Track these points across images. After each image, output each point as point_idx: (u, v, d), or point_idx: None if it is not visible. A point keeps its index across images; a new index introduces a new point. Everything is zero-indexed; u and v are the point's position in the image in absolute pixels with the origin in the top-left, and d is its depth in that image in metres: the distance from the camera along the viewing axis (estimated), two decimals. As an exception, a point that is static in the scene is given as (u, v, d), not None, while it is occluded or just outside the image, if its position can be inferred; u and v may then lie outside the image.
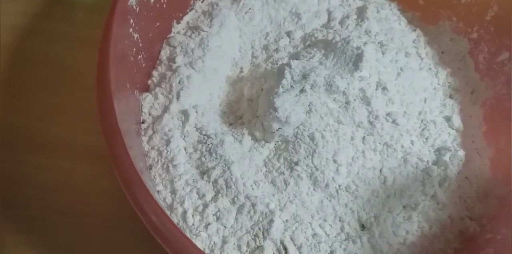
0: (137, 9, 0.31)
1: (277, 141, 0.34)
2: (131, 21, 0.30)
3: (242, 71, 0.39)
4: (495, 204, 0.35)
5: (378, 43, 0.38)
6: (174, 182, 0.32)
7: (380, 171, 0.34)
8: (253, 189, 0.32)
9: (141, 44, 0.33)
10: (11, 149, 0.39)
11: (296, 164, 0.33)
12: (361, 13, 0.41)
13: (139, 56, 0.33)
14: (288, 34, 0.41)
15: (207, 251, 0.30)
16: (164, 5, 0.36)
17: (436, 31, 0.43)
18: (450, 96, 0.39)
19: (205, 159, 0.33)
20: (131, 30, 0.31)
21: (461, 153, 0.35)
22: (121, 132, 0.25)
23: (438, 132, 0.36)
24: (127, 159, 0.24)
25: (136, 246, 0.35)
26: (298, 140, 0.33)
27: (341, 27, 0.41)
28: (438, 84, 0.39)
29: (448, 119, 0.37)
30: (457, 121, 0.37)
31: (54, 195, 0.37)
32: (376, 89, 0.35)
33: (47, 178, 0.38)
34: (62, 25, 0.45)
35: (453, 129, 0.37)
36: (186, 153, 0.34)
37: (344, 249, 0.31)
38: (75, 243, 0.36)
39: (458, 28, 0.42)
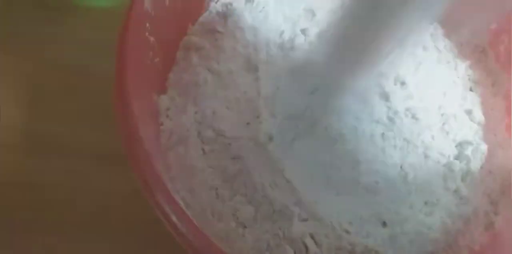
0: (153, 13, 0.31)
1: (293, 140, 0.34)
2: (147, 25, 0.31)
3: (257, 70, 0.39)
4: (520, 198, 0.34)
5: (395, 37, 0.38)
6: (192, 183, 0.33)
7: (401, 167, 0.34)
8: (272, 189, 0.33)
9: (157, 48, 0.34)
10: (34, 154, 0.40)
11: (315, 163, 0.33)
12: (376, 7, 0.41)
13: (155, 60, 0.34)
14: (303, 31, 0.41)
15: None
16: (179, 7, 0.36)
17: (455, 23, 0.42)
18: (470, 89, 0.39)
19: (223, 158, 0.33)
20: (147, 34, 0.31)
21: (484, 146, 0.35)
22: (141, 138, 0.25)
23: (459, 125, 0.36)
24: (147, 162, 0.25)
25: (160, 250, 0.36)
26: (314, 139, 0.33)
27: (357, 22, 0.40)
28: (458, 77, 0.39)
29: (469, 112, 0.37)
30: (478, 114, 0.36)
31: (78, 199, 0.38)
32: (395, 84, 0.35)
33: (70, 182, 0.39)
34: (79, 30, 0.45)
35: (474, 123, 0.36)
36: (204, 153, 0.34)
37: (365, 247, 0.31)
38: (99, 246, 0.37)
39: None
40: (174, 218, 0.24)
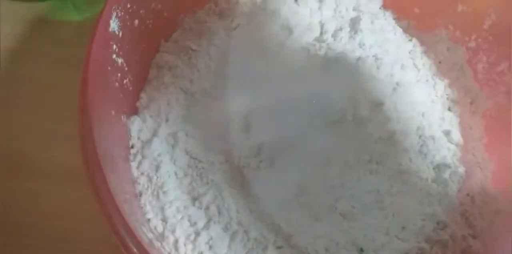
0: (120, 34, 0.30)
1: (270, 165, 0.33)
2: (114, 47, 0.29)
3: (233, 89, 0.38)
4: (498, 221, 0.33)
5: (373, 56, 0.37)
6: (164, 209, 0.31)
7: (377, 191, 0.33)
8: (247, 216, 0.31)
9: (126, 68, 0.32)
10: (1, 175, 0.38)
11: (291, 188, 0.32)
12: (354, 24, 0.40)
13: (125, 81, 0.32)
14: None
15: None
16: (150, 26, 0.35)
17: (433, 40, 0.41)
18: (449, 109, 0.38)
19: (196, 184, 0.32)
20: (114, 56, 0.30)
21: (462, 169, 0.34)
22: (101, 166, 0.24)
23: (437, 147, 0.35)
24: (108, 196, 0.23)
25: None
26: (292, 163, 0.32)
27: (334, 40, 0.39)
28: (436, 96, 0.38)
29: (447, 133, 0.36)
30: (456, 135, 0.36)
31: (43, 222, 0.36)
32: (371, 107, 0.34)
33: (36, 204, 0.37)
34: (50, 45, 0.44)
35: (452, 144, 0.36)
36: (177, 178, 0.33)
37: (342, 276, 0.30)
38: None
39: (455, 37, 0.40)
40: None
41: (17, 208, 0.37)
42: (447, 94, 0.38)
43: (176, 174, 0.33)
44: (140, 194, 0.32)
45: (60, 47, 0.43)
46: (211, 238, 0.31)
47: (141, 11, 0.33)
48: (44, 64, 0.43)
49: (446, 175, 0.34)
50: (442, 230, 0.32)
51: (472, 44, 0.39)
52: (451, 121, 0.37)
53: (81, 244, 0.36)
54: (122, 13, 0.30)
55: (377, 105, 0.34)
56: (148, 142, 0.34)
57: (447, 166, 0.34)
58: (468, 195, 0.34)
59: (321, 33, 0.41)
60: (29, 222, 0.36)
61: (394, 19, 0.43)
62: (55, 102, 0.41)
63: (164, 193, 0.32)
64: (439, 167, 0.34)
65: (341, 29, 0.40)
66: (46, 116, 0.40)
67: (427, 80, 0.39)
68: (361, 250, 0.32)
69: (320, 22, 0.41)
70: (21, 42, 0.44)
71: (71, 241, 0.36)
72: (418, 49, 0.40)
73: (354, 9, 0.42)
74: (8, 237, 0.36)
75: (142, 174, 0.33)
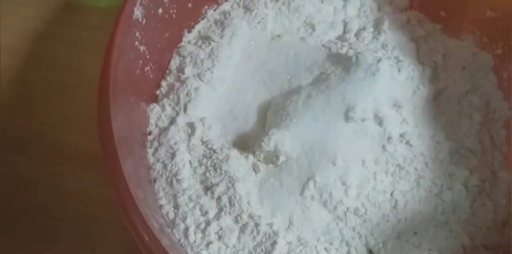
0: (144, 21, 0.30)
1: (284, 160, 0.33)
2: (137, 34, 0.30)
3: (252, 82, 0.38)
4: (512, 232, 0.33)
5: (395, 58, 0.36)
6: (177, 197, 0.32)
7: (391, 194, 0.33)
8: (257, 208, 0.31)
9: (148, 56, 0.33)
10: (21, 154, 0.39)
11: (304, 184, 0.32)
12: (378, 25, 0.40)
13: (146, 68, 0.33)
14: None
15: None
16: (174, 15, 0.35)
17: (458, 45, 0.40)
18: (470, 116, 0.37)
19: (210, 174, 0.32)
20: (136, 43, 0.30)
21: (478, 178, 0.33)
22: (117, 150, 0.24)
23: (454, 154, 0.34)
24: (122, 181, 0.24)
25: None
26: (306, 159, 0.32)
27: (357, 40, 0.39)
28: (457, 102, 0.37)
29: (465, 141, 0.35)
30: (475, 143, 0.35)
31: (58, 202, 0.37)
32: (390, 108, 0.34)
33: (52, 185, 0.38)
34: (76, 30, 0.44)
35: (470, 151, 0.35)
36: (191, 167, 0.33)
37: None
38: (76, 251, 0.36)
39: (482, 43, 0.40)
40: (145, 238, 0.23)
41: (33, 187, 0.38)
42: (468, 101, 0.38)
43: (190, 163, 0.33)
44: (155, 180, 0.32)
45: (86, 32, 0.44)
46: (221, 229, 0.31)
47: (165, 0, 0.33)
48: (68, 48, 0.44)
49: (461, 182, 0.33)
50: (454, 239, 0.32)
51: (499, 51, 0.39)
52: (470, 129, 0.36)
53: (94, 226, 0.36)
54: (147, 1, 0.31)
55: (396, 107, 0.34)
56: (166, 129, 0.34)
57: (463, 173, 0.33)
58: (483, 205, 0.33)
59: (344, 32, 0.40)
60: (44, 202, 0.37)
61: (419, 21, 0.42)
62: (78, 85, 0.41)
63: (178, 181, 0.32)
64: (455, 174, 0.33)
65: (364, 28, 0.40)
66: (68, 99, 0.41)
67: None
68: (370, 252, 0.31)
69: (344, 21, 0.41)
70: (48, 27, 0.45)
71: (84, 223, 0.36)
72: (442, 53, 0.40)
73: (379, 10, 0.42)
74: (23, 215, 0.37)
75: (157, 160, 0.33)
